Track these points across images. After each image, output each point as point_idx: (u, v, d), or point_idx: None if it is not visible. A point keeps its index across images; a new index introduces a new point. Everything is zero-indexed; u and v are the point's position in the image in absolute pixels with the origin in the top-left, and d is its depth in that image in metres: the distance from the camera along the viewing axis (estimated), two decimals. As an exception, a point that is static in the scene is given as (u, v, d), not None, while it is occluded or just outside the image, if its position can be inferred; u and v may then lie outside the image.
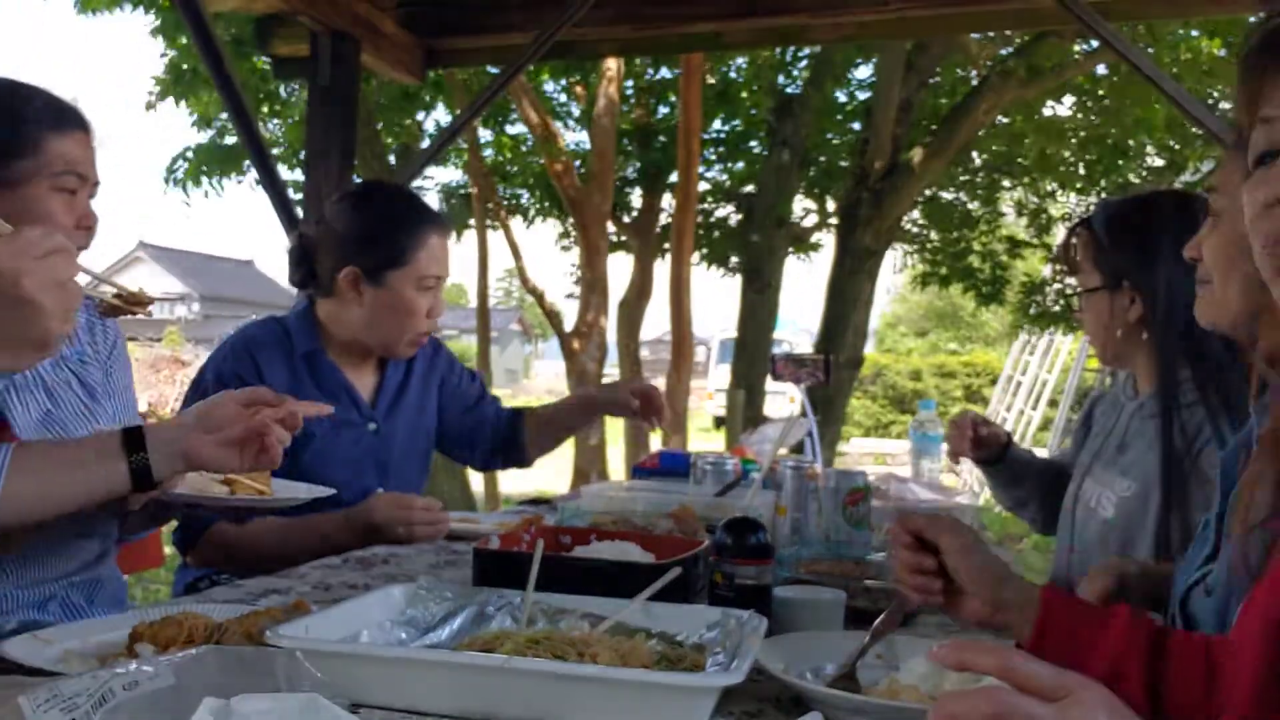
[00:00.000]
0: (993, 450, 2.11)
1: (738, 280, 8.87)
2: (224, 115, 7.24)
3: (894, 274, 10.50)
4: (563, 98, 9.51)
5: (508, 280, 38.84)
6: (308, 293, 2.17)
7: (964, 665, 0.74)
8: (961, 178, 9.55)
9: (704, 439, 15.49)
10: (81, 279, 1.14)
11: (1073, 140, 8.81)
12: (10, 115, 1.41)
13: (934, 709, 0.71)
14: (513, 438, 2.36)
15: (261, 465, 1.36)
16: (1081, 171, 9.26)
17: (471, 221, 9.79)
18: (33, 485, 1.25)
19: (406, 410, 2.19)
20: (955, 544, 1.15)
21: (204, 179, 7.74)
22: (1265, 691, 0.85)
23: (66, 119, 1.47)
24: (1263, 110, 0.89)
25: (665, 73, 9.24)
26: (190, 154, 7.75)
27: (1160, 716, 1.03)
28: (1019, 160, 9.17)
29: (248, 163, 7.55)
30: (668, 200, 9.51)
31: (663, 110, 9.67)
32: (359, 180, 3.71)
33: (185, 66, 6.91)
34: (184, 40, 6.46)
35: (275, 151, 6.99)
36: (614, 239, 9.61)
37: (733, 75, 9.22)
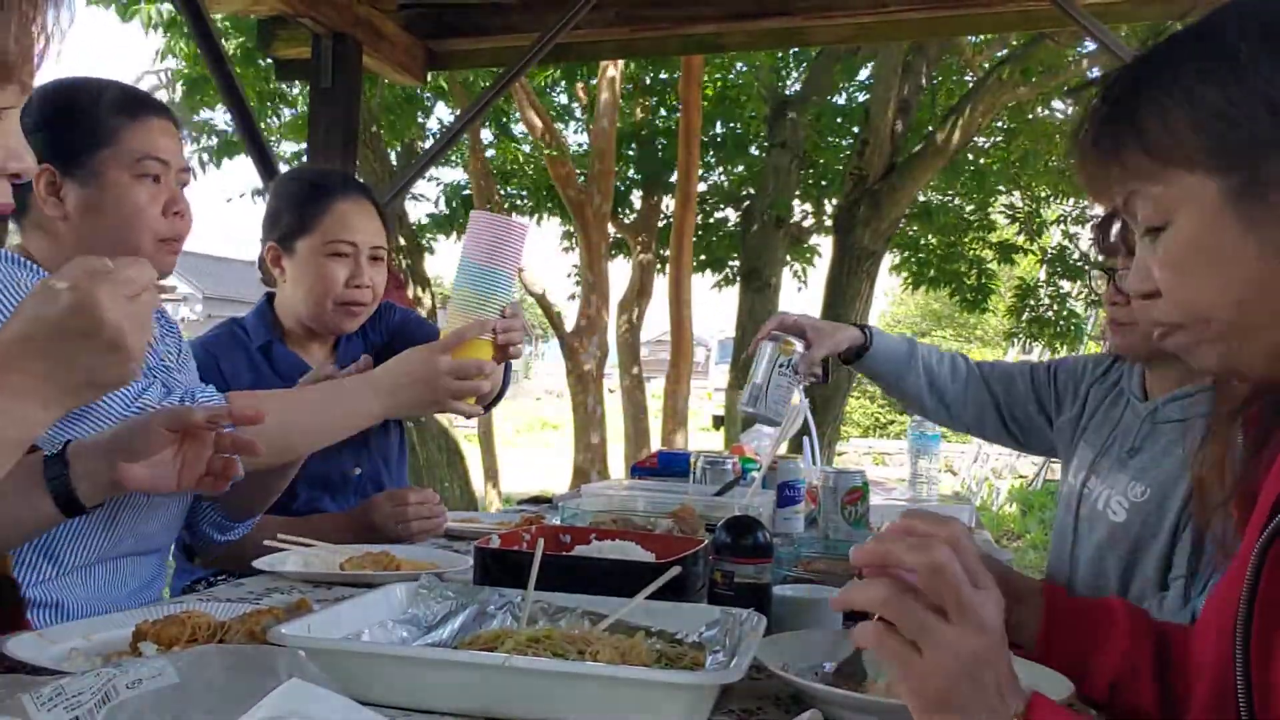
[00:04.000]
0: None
1: (736, 280, 8.88)
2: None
3: (889, 275, 10.48)
4: (564, 99, 9.52)
5: (508, 281, 38.71)
6: (267, 290, 2.22)
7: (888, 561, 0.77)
8: (958, 179, 9.56)
9: (704, 439, 15.49)
10: None
11: (1059, 140, 8.82)
12: (83, 110, 1.46)
13: (874, 546, 0.78)
14: None
15: (206, 489, 1.31)
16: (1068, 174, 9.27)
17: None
18: None
19: None
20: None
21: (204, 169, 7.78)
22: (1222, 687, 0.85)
23: (141, 107, 1.51)
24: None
25: (665, 75, 9.25)
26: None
27: (1168, 709, 1.04)
28: (1013, 162, 9.19)
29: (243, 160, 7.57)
30: (668, 202, 9.53)
31: (662, 113, 9.68)
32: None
33: (191, 73, 6.94)
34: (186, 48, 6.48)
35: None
36: (614, 237, 9.62)
37: (731, 77, 9.23)
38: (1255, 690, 0.81)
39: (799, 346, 1.75)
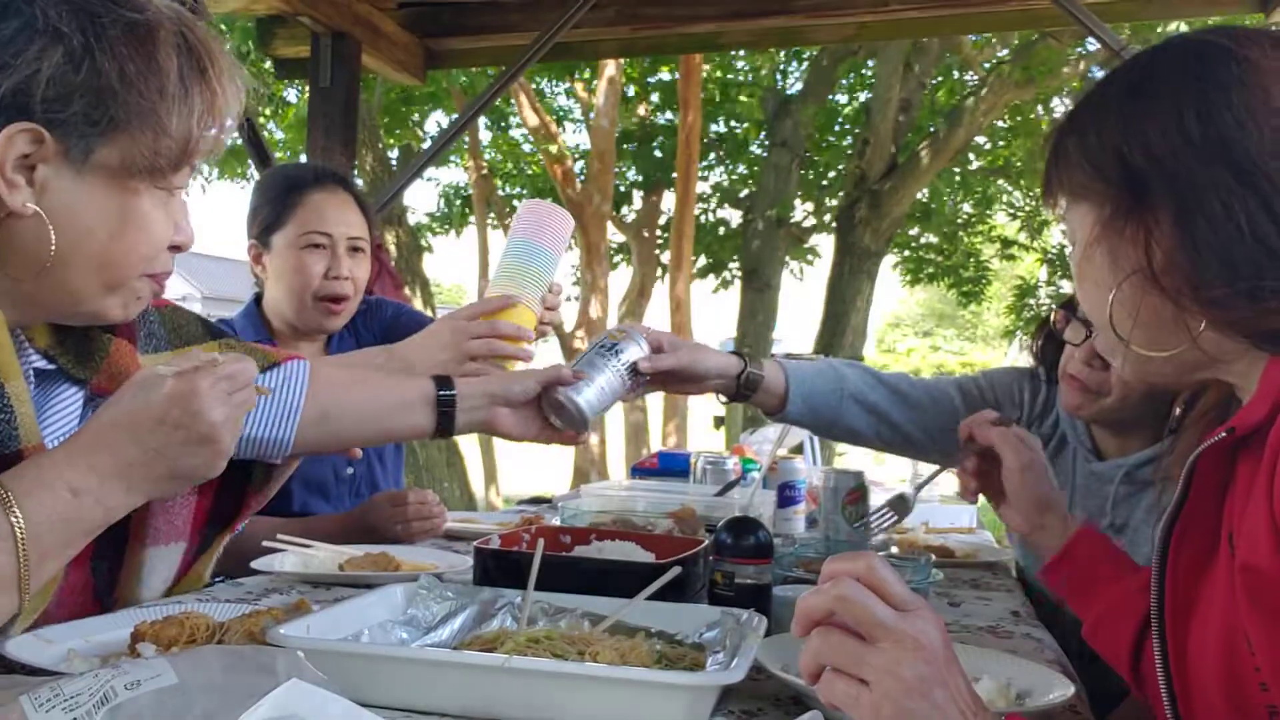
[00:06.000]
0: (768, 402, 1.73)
1: (736, 281, 8.88)
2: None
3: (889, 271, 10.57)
4: (563, 100, 9.53)
5: (507, 280, 38.71)
6: (255, 291, 2.20)
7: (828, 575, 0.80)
8: (957, 180, 9.57)
9: (704, 439, 15.48)
10: None
11: None
12: None
13: (797, 607, 0.79)
14: None
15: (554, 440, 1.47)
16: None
17: (472, 221, 9.80)
18: (342, 402, 1.32)
19: None
20: (1014, 462, 1.25)
21: (201, 176, 7.78)
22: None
23: None
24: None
25: (665, 74, 9.25)
26: None
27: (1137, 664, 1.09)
28: (1014, 162, 9.21)
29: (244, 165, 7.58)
30: (668, 201, 9.53)
31: (663, 114, 9.68)
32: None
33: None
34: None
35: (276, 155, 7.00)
36: (614, 243, 9.62)
37: (731, 77, 9.24)
38: (1172, 657, 0.88)
39: (640, 341, 1.56)
